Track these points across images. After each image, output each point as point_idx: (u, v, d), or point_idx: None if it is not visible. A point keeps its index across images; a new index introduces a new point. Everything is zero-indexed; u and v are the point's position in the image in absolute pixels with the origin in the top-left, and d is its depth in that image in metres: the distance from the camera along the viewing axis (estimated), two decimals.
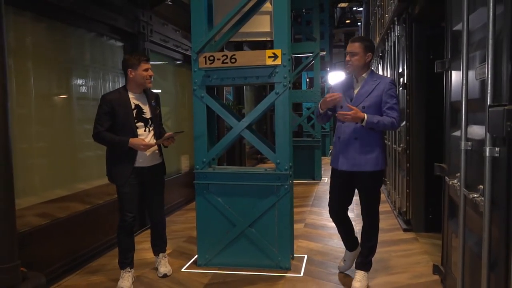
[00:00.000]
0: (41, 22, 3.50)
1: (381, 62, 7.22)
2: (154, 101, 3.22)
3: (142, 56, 3.13)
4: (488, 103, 1.82)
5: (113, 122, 3.02)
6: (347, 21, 15.99)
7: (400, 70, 5.01)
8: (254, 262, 3.48)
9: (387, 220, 5.05)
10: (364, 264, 3.09)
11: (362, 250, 3.11)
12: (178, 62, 6.25)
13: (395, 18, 4.97)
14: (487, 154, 1.84)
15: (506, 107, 1.63)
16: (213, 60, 3.43)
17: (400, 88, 4.89)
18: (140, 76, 3.08)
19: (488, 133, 1.82)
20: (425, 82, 4.31)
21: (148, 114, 3.16)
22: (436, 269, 2.96)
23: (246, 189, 3.47)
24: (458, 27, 2.45)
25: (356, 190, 3.10)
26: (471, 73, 2.20)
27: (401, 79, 4.87)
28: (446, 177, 2.68)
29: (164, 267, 3.39)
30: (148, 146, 3.04)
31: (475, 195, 2.03)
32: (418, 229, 4.46)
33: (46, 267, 3.28)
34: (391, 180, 5.80)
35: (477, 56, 2.14)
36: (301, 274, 3.38)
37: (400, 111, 5.01)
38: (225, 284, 3.22)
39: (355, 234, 3.28)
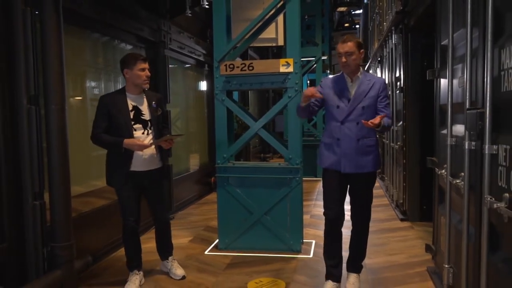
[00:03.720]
0: (83, 34, 3.97)
1: (380, 66, 7.70)
2: (155, 102, 3.13)
3: (139, 55, 3.04)
4: (466, 106, 2.30)
5: (110, 123, 2.97)
6: (346, 25, 16.44)
7: (397, 74, 5.49)
8: (268, 245, 3.95)
9: (386, 212, 5.53)
10: (357, 267, 3.09)
11: (353, 252, 3.08)
12: (190, 66, 6.70)
13: (393, 28, 5.46)
14: (466, 147, 2.31)
15: (478, 110, 2.11)
16: (233, 68, 3.90)
17: (397, 91, 5.37)
18: (136, 76, 2.98)
19: (466, 131, 2.29)
20: (419, 86, 4.79)
21: (147, 116, 3.07)
22: (428, 248, 3.44)
23: (262, 181, 3.94)
24: (445, 42, 2.93)
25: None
26: (455, 82, 2.68)
27: (398, 83, 5.36)
28: (436, 168, 3.16)
29: (179, 269, 3.36)
30: (143, 146, 2.95)
31: (458, 181, 2.51)
32: (414, 219, 4.94)
33: (87, 251, 3.72)
34: (389, 176, 6.28)
35: (459, 68, 2.62)
36: (311, 255, 3.86)
37: (397, 112, 5.53)
38: (245, 264, 3.69)
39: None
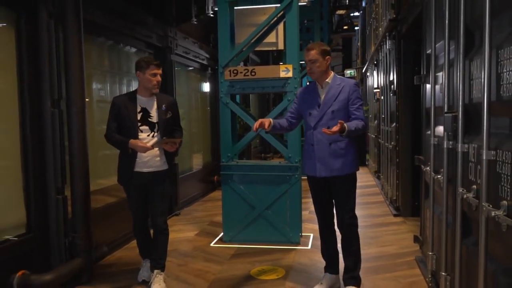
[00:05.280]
0: (96, 41, 4.28)
1: (376, 69, 8.01)
2: (165, 105, 3.15)
3: (153, 60, 3.12)
4: (445, 110, 2.61)
5: (120, 124, 3.07)
6: (345, 27, 16.75)
7: (391, 78, 5.80)
8: (270, 238, 4.25)
9: (380, 208, 5.84)
10: (353, 278, 3.01)
11: (347, 262, 3.04)
12: (194, 70, 7.02)
13: (387, 34, 5.77)
14: (444, 146, 2.62)
15: (453, 114, 2.41)
16: (237, 73, 4.21)
17: (391, 94, 5.68)
18: (147, 80, 3.04)
19: (444, 131, 2.60)
20: (411, 90, 5.09)
21: (154, 119, 3.11)
22: (416, 239, 3.74)
23: (263, 178, 4.24)
24: (429, 51, 3.23)
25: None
26: (438, 87, 2.98)
27: (392, 86, 5.67)
28: (422, 166, 3.46)
29: (157, 285, 3.10)
30: (145, 148, 2.99)
31: (439, 176, 2.81)
32: (406, 214, 5.24)
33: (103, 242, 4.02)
34: (385, 174, 6.59)
35: (440, 75, 2.92)
36: (309, 247, 4.16)
37: (391, 114, 5.83)
38: (248, 254, 4.00)
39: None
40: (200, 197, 6.88)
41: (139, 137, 3.05)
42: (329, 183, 2.98)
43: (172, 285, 3.29)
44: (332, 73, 3.01)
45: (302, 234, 4.47)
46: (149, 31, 4.97)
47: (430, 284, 3.08)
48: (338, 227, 3.05)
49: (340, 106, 2.90)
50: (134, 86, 4.93)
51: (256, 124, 2.90)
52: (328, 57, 2.94)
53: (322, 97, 2.97)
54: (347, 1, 15.93)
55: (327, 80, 2.97)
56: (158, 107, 3.13)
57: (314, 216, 5.37)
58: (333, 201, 3.05)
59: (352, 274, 3.01)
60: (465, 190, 2.26)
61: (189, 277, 3.48)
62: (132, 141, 2.98)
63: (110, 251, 3.94)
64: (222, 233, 4.45)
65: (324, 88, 2.98)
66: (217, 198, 6.79)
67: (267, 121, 2.92)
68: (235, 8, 4.46)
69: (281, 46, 6.17)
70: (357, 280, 3.02)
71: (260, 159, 11.64)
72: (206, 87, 7.60)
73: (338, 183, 2.95)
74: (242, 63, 6.46)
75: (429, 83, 3.22)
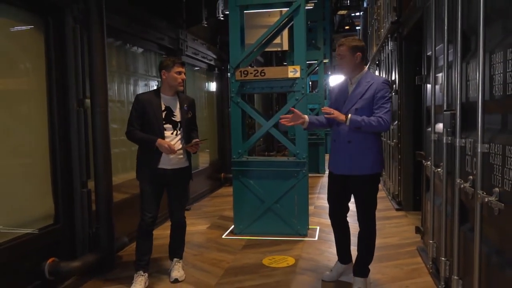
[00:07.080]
0: (114, 44, 4.50)
1: (378, 69, 8.23)
2: (187, 105, 3.25)
3: (177, 59, 3.22)
4: (444, 108, 2.83)
5: (143, 121, 3.13)
6: (346, 27, 16.97)
7: (393, 78, 6.03)
8: (278, 230, 4.48)
9: (383, 203, 6.06)
10: (363, 271, 3.06)
11: (359, 256, 3.06)
12: (202, 70, 7.25)
13: (389, 35, 5.99)
14: (444, 141, 2.85)
15: (452, 111, 2.64)
16: (247, 74, 4.43)
17: (393, 93, 5.91)
18: (172, 78, 3.13)
19: (444, 128, 2.82)
20: (412, 90, 5.32)
21: (178, 118, 3.20)
22: (417, 229, 3.97)
23: (272, 173, 4.47)
24: (429, 53, 3.45)
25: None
26: (437, 87, 3.21)
27: (394, 86, 5.89)
28: (423, 161, 3.69)
29: (177, 272, 3.35)
30: (172, 151, 3.06)
31: (439, 170, 3.04)
32: (408, 208, 5.47)
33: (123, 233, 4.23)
34: (387, 170, 6.82)
35: (440, 76, 3.15)
36: (316, 238, 4.39)
37: (392, 112, 6.04)
38: (259, 245, 4.22)
39: (350, 246, 3.24)
40: (208, 193, 7.11)
41: (164, 134, 3.14)
42: (347, 181, 2.96)
43: (190, 272, 3.52)
44: (365, 69, 2.96)
45: (309, 227, 4.70)
46: (161, 33, 5.20)
47: (431, 270, 3.31)
48: (358, 220, 3.07)
49: (364, 104, 2.85)
50: (140, 85, 5.16)
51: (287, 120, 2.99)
52: (358, 53, 2.89)
53: (350, 93, 2.96)
54: (348, 2, 16.18)
55: (357, 76, 2.94)
56: (181, 107, 3.23)
57: (319, 211, 5.63)
58: (354, 200, 3.04)
59: (363, 266, 3.07)
60: (462, 181, 2.49)
61: (205, 265, 3.71)
62: (160, 140, 3.05)
63: (130, 242, 4.16)
64: (232, 226, 4.69)
65: (353, 84, 2.96)
66: (224, 194, 7.05)
67: (301, 119, 3.01)
68: (245, 11, 4.67)
69: (285, 47, 6.41)
70: (366, 273, 3.08)
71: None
72: (213, 86, 7.84)
73: (355, 182, 2.93)
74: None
75: (429, 83, 3.45)
